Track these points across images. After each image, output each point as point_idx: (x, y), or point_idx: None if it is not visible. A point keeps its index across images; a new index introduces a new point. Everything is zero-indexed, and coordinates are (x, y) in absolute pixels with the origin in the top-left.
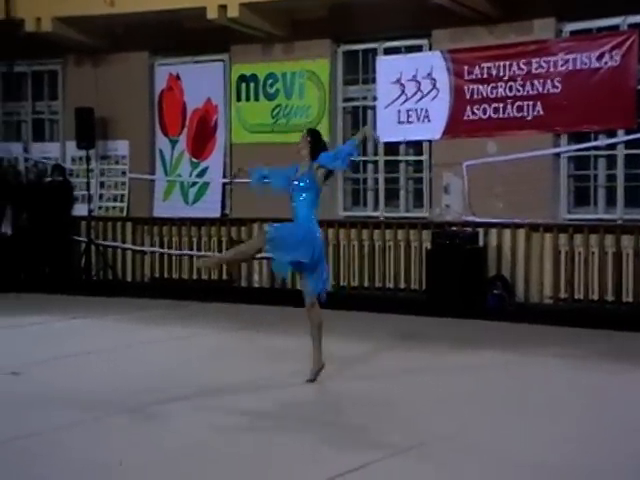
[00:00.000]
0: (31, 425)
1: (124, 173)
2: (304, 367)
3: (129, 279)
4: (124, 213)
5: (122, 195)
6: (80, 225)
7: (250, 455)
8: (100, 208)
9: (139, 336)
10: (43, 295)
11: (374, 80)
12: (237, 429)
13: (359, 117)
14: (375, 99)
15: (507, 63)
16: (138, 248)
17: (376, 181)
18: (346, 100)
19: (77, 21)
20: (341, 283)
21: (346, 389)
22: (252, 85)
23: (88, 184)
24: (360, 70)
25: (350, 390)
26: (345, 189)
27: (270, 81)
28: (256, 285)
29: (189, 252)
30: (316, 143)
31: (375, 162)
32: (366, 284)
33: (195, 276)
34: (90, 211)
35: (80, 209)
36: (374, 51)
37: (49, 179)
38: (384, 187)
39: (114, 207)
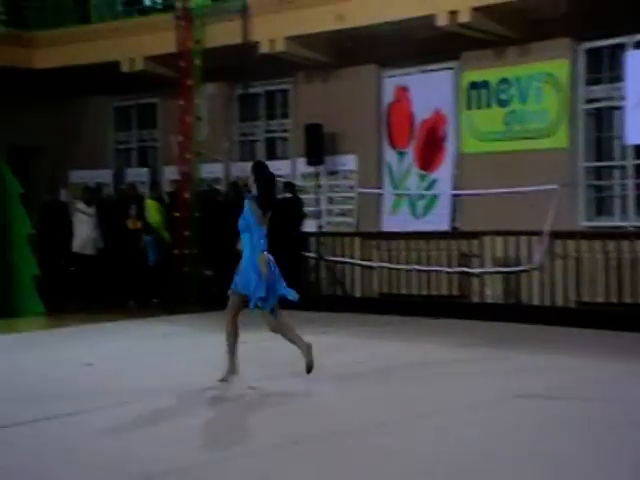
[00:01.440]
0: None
1: (352, 188)
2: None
3: (358, 294)
4: (352, 228)
5: (350, 210)
6: (310, 241)
7: None
8: (329, 223)
9: (369, 352)
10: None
11: (622, 78)
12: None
13: (603, 119)
14: (623, 98)
15: None
16: (366, 263)
17: (623, 187)
18: (588, 101)
19: (308, 39)
20: (583, 299)
21: None
22: (484, 92)
23: (317, 200)
24: (605, 68)
25: None
26: (587, 197)
27: (503, 86)
28: (489, 300)
29: (418, 267)
30: (257, 179)
31: (622, 167)
32: (614, 300)
33: (425, 291)
34: (319, 227)
35: (309, 225)
36: (622, 46)
37: (281, 196)
38: (634, 194)
39: (343, 222)
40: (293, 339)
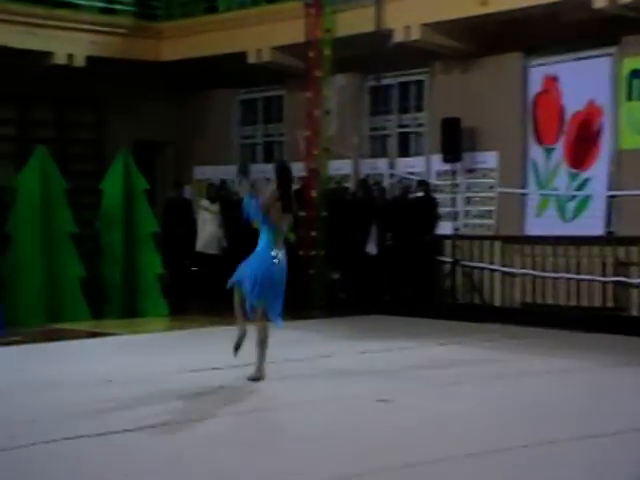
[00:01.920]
0: None
1: (492, 187)
2: None
3: (497, 303)
4: (492, 231)
5: (490, 211)
6: (445, 244)
7: None
8: (466, 226)
9: (512, 366)
10: (406, 318)
11: None
12: None
13: None
14: None
15: None
16: (508, 270)
17: None
18: None
19: (446, 26)
20: None
21: None
22: None
23: (454, 200)
24: None
25: None
26: None
27: None
28: None
29: (566, 275)
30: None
31: None
32: None
33: (574, 302)
34: (455, 229)
35: (445, 227)
36: None
37: (413, 196)
38: None
39: (481, 225)
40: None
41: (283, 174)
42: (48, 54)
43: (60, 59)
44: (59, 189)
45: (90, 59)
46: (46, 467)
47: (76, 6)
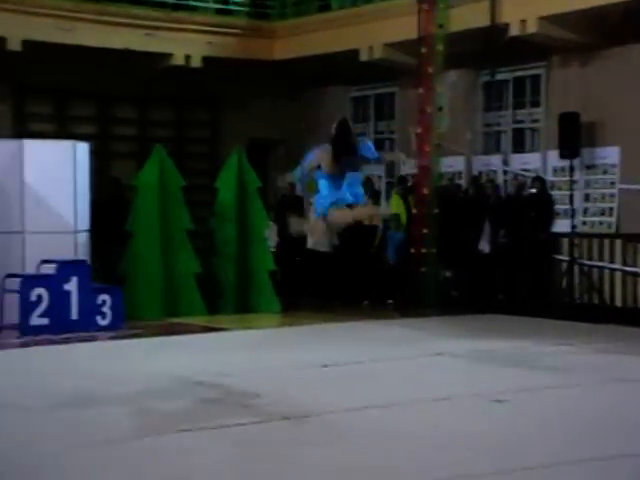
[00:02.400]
0: None
1: (613, 184)
2: None
3: (618, 304)
4: (613, 229)
5: (610, 209)
6: (561, 242)
7: None
8: (584, 224)
9: (630, 370)
10: (521, 318)
11: None
12: None
13: None
14: None
15: None
16: (630, 269)
17: None
18: None
19: (564, 18)
20: None
21: None
22: None
23: (571, 197)
24: None
25: None
26: None
27: None
28: None
29: None
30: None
31: None
32: None
33: None
34: (573, 227)
35: (562, 225)
36: None
37: (528, 192)
38: None
39: (601, 222)
40: None
41: (340, 127)
42: (167, 55)
43: (178, 60)
44: (176, 187)
45: (206, 59)
46: (167, 459)
47: (193, 8)
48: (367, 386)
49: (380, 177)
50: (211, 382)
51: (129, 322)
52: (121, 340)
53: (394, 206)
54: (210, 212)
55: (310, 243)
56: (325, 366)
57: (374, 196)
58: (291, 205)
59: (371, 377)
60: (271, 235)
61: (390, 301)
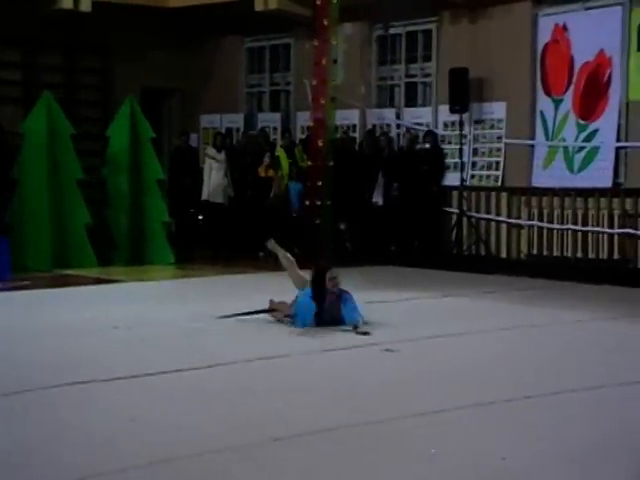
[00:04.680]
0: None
1: (500, 138)
2: None
3: (503, 255)
4: (499, 182)
5: (497, 163)
6: (451, 196)
7: None
8: (473, 177)
9: (518, 319)
10: (412, 269)
11: None
12: None
13: None
14: None
15: None
16: (514, 221)
17: None
18: None
19: None
20: None
21: None
22: None
23: (461, 151)
24: None
25: None
26: None
27: None
28: None
29: (573, 227)
30: None
31: None
32: None
33: (581, 254)
34: (462, 180)
35: (452, 178)
36: None
37: (420, 146)
38: None
39: (488, 176)
40: None
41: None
42: None
43: (66, 4)
44: (66, 134)
45: (96, 4)
46: (52, 411)
47: None
48: (261, 337)
49: (275, 129)
50: (100, 335)
51: (16, 274)
52: (6, 292)
53: (281, 159)
54: (102, 161)
55: (205, 194)
56: (219, 317)
57: (270, 146)
58: (185, 157)
59: (264, 328)
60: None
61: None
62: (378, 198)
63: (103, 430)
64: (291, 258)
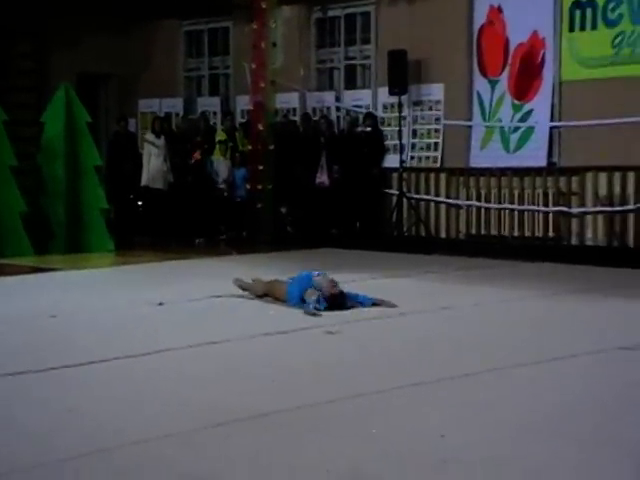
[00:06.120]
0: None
1: (438, 120)
2: None
3: (443, 235)
4: (438, 163)
5: (436, 144)
6: (391, 177)
7: None
8: (412, 158)
9: (458, 298)
10: (354, 251)
11: None
12: None
13: None
14: None
15: None
16: (453, 202)
17: None
18: None
19: None
20: None
21: None
22: (589, 11)
23: (400, 132)
24: None
25: None
26: None
27: (612, 4)
28: (589, 243)
29: (510, 206)
30: None
31: None
32: None
33: (517, 233)
34: (402, 162)
35: (391, 160)
36: None
37: (360, 129)
38: None
39: (427, 157)
40: None
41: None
42: None
43: None
44: (83, 122)
45: None
46: None
47: None
48: (204, 322)
49: (215, 113)
50: (36, 324)
51: None
52: None
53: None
54: (37, 148)
55: (145, 180)
56: (160, 304)
57: (209, 132)
58: (124, 143)
59: (209, 314)
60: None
61: (223, 237)
62: (323, 179)
63: (38, 422)
64: (255, 281)
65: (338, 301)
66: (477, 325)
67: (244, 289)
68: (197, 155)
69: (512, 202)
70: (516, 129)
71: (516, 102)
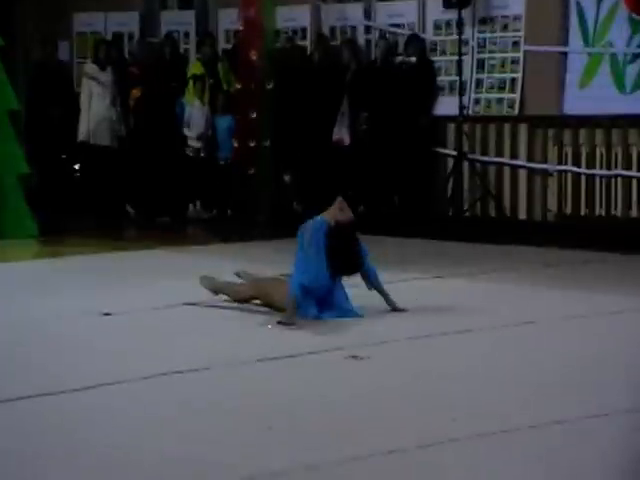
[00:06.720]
0: None
1: (517, 44)
2: None
3: (522, 216)
4: (515, 110)
5: (513, 81)
6: (447, 130)
7: None
8: (478, 102)
9: (550, 308)
10: (390, 238)
11: None
12: None
13: None
14: None
15: None
16: (538, 166)
17: None
18: None
19: None
20: None
21: None
22: None
23: (459, 64)
24: None
25: None
26: None
27: None
28: None
29: (624, 172)
30: None
31: None
32: None
33: (635, 213)
34: (463, 108)
35: (447, 105)
36: None
37: (401, 59)
38: None
39: (500, 100)
40: None
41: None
42: None
43: None
44: None
45: None
46: None
47: None
48: (174, 343)
49: (188, 34)
50: None
51: None
52: None
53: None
54: None
55: (83, 133)
56: (106, 314)
57: (178, 62)
58: (51, 77)
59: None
60: None
61: (201, 216)
62: (342, 135)
63: None
64: (242, 276)
65: (349, 236)
66: (577, 347)
67: (217, 292)
68: (136, 92)
69: (628, 167)
70: (635, 57)
71: (636, 17)
